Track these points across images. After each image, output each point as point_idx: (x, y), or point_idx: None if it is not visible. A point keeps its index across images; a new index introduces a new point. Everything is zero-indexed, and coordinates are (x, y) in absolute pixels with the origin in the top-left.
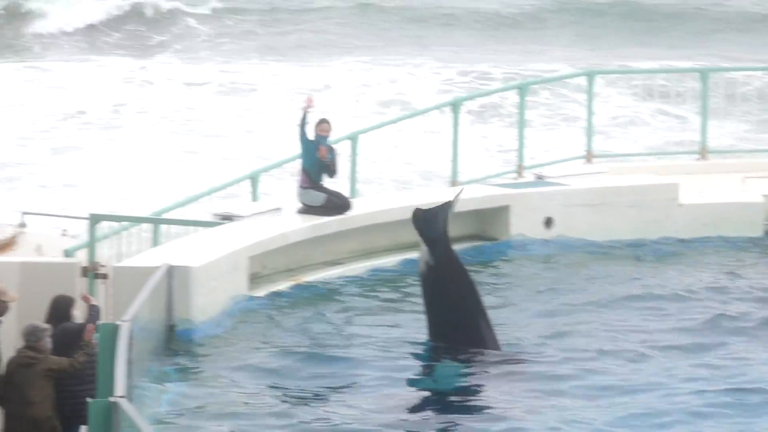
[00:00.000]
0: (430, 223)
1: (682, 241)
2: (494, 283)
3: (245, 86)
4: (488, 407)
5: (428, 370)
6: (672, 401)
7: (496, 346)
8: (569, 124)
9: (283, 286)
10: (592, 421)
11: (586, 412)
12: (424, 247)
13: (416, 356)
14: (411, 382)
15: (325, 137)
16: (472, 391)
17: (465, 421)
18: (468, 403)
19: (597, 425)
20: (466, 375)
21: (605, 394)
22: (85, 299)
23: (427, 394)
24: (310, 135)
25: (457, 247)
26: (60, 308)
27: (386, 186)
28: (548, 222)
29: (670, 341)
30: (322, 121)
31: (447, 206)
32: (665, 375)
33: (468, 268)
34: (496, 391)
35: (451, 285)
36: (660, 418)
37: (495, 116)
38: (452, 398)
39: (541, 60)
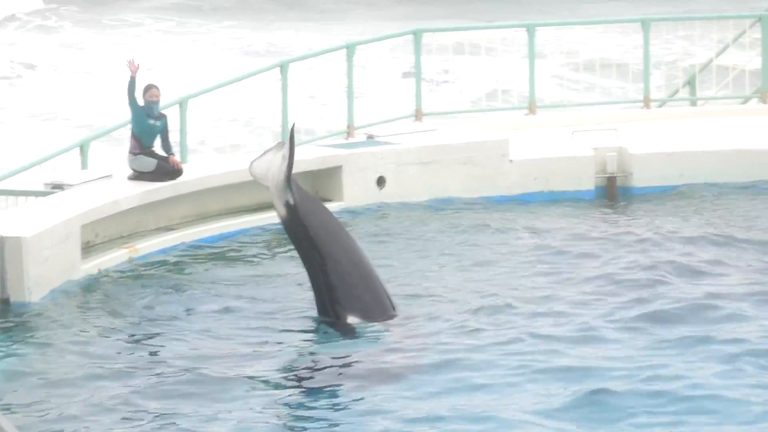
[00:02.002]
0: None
1: (513, 196)
2: None
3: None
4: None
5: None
6: (524, 352)
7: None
8: (398, 83)
9: (116, 253)
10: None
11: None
12: (277, 194)
13: (264, 319)
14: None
15: (155, 102)
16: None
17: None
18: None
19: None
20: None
21: (486, 348)
22: None
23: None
24: (140, 101)
25: None
26: None
27: (218, 150)
28: (380, 181)
29: (510, 294)
30: (151, 87)
31: (281, 147)
32: (517, 328)
33: None
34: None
35: (322, 224)
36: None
37: (324, 77)
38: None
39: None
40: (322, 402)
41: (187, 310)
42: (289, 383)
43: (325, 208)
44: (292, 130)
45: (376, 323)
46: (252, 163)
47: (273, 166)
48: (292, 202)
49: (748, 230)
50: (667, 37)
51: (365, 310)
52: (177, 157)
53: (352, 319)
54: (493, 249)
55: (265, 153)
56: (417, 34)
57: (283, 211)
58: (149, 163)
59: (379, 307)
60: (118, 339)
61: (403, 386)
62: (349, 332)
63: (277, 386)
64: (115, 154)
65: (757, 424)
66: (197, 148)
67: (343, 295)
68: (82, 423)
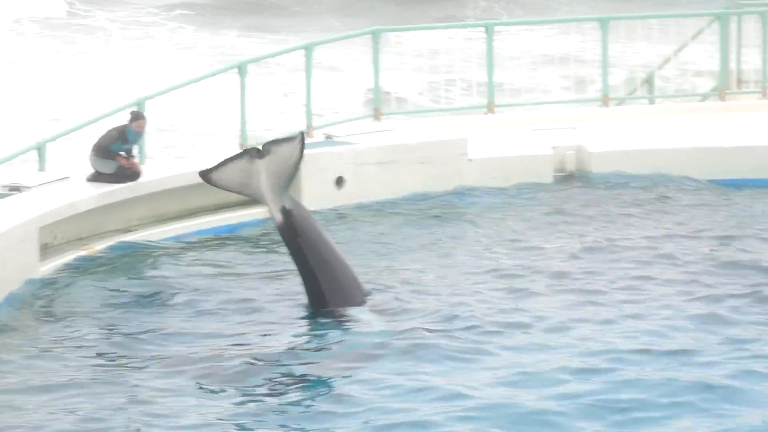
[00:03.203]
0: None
1: (472, 195)
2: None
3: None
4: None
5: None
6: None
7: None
8: (356, 83)
9: (75, 255)
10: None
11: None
12: (273, 200)
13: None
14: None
15: (140, 133)
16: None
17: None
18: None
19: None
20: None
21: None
22: None
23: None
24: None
25: (249, 211)
26: None
27: (176, 151)
28: (339, 181)
29: (469, 288)
30: (140, 116)
31: (253, 154)
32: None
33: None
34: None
35: (311, 225)
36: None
37: (282, 77)
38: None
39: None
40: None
41: (147, 310)
42: (264, 372)
43: (309, 210)
44: (303, 135)
45: (354, 308)
46: (213, 172)
47: (258, 175)
48: (288, 207)
49: (706, 226)
50: (626, 35)
51: (347, 298)
52: (136, 160)
53: (335, 306)
54: (452, 246)
55: (228, 162)
56: (375, 34)
57: (279, 216)
58: (109, 165)
59: (357, 294)
60: (76, 341)
61: (377, 366)
62: (336, 318)
63: (248, 375)
64: (74, 155)
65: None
66: (156, 149)
67: (331, 286)
68: (42, 429)
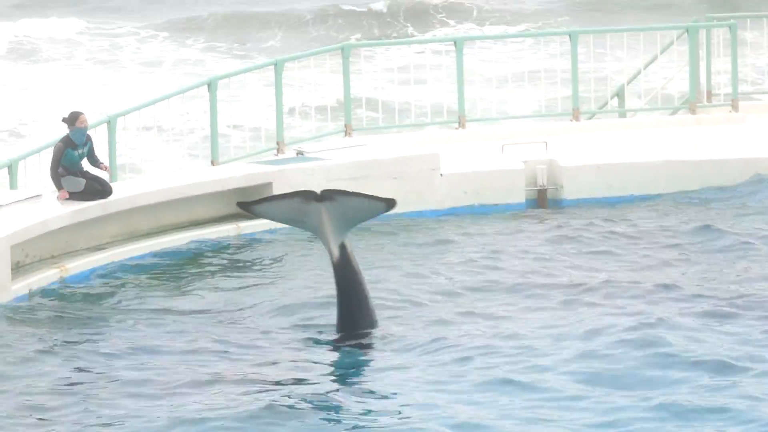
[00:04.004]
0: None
1: (443, 210)
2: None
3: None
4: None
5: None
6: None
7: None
8: (326, 99)
9: (46, 273)
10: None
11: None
12: (333, 238)
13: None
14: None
15: (85, 128)
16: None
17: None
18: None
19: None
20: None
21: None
22: None
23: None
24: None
25: (220, 227)
26: None
27: (147, 168)
28: None
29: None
30: (79, 114)
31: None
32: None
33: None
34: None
35: (355, 260)
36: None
37: (252, 94)
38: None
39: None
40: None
41: (120, 328)
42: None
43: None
44: (392, 202)
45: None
46: (256, 205)
47: (317, 215)
48: (345, 244)
49: (674, 240)
50: (596, 49)
51: (371, 324)
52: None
53: (363, 329)
54: (423, 262)
55: (276, 199)
56: (345, 50)
57: (336, 252)
58: (78, 183)
59: (374, 320)
60: (50, 361)
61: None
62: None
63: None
64: (45, 173)
65: None
66: (126, 166)
67: (362, 312)
68: None
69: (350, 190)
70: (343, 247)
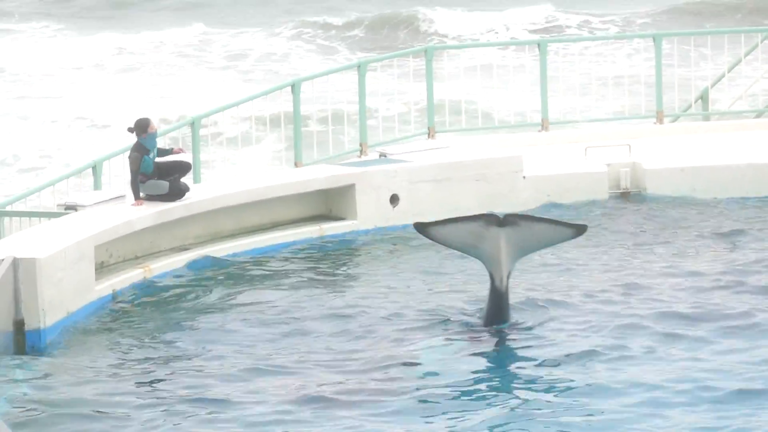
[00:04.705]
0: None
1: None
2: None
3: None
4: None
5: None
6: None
7: None
8: (408, 101)
9: (130, 273)
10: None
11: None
12: (501, 267)
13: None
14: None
15: (155, 134)
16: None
17: None
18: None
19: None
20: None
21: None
22: None
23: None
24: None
25: (304, 228)
26: None
27: (230, 169)
28: (394, 199)
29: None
30: (149, 120)
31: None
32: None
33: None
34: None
35: None
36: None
37: (333, 97)
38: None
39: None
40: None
41: (204, 329)
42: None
43: None
44: (582, 228)
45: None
46: (434, 227)
47: (496, 241)
48: (511, 272)
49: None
50: (681, 52)
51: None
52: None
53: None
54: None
55: (456, 222)
56: (429, 52)
57: (504, 282)
58: (162, 186)
59: None
60: (132, 362)
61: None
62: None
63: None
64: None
65: None
66: (210, 166)
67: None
68: None
69: (535, 215)
70: (509, 276)
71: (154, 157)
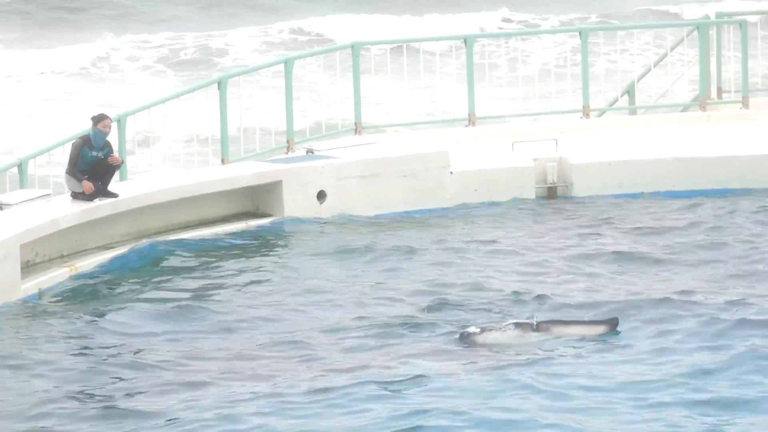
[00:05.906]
0: None
1: (453, 208)
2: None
3: None
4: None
5: None
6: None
7: None
8: (335, 98)
9: (56, 272)
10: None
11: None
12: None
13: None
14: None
15: (107, 133)
16: None
17: None
18: None
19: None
20: None
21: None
22: None
23: None
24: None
25: (231, 226)
26: None
27: (157, 166)
28: (321, 195)
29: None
30: (105, 117)
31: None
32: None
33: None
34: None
35: None
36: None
37: (259, 93)
38: None
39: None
40: None
41: (129, 326)
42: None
43: None
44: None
45: None
46: (477, 335)
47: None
48: None
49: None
50: (606, 46)
51: None
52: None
53: None
54: (437, 259)
55: (496, 330)
56: (355, 47)
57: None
58: (78, 186)
59: None
60: (60, 359)
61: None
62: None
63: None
64: (54, 172)
65: None
66: (135, 165)
67: None
68: None
69: (568, 319)
70: None
71: (94, 158)
